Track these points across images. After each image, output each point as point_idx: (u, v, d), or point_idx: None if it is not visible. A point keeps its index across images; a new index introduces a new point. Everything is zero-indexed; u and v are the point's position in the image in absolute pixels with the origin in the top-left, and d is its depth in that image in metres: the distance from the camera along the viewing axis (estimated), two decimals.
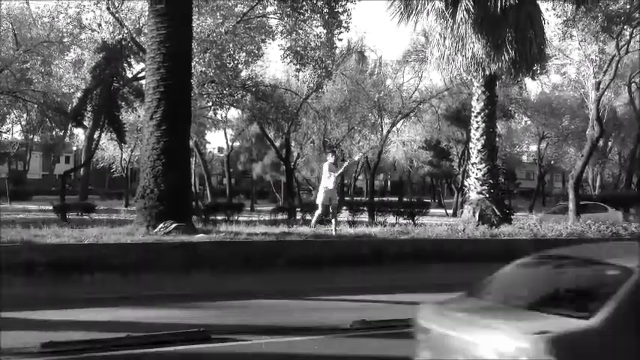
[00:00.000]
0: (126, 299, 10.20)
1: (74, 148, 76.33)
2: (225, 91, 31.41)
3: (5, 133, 55.36)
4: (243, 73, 32.69)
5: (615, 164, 57.95)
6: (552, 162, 60.93)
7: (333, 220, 15.42)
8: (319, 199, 15.35)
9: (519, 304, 4.99)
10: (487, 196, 18.01)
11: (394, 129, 46.77)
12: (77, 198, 42.62)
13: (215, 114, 41.14)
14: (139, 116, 35.80)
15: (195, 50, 21.97)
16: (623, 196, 39.76)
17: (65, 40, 32.44)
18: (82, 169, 45.27)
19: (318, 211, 15.51)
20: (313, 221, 15.84)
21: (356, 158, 36.77)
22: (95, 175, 66.37)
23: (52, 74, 34.90)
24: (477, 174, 18.32)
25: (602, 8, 26.49)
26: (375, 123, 45.00)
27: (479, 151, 18.41)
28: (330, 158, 15.64)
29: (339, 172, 15.72)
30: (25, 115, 49.87)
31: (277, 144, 47.51)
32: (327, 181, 15.07)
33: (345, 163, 19.00)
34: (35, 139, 63.51)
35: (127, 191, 53.59)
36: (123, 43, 30.90)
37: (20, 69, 33.63)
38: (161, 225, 13.07)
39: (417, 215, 33.78)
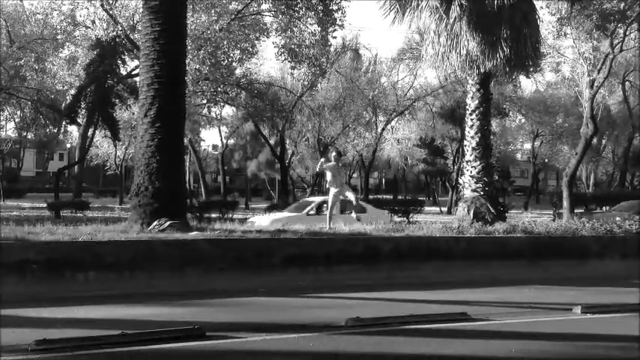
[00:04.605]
0: (120, 297, 10.19)
1: (68, 146, 76.18)
2: (219, 89, 31.42)
3: None
4: (238, 71, 32.68)
5: (609, 162, 58.04)
6: (546, 160, 61.08)
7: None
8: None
9: None
10: (482, 193, 17.99)
11: (389, 127, 46.82)
12: (71, 195, 42.46)
13: (209, 111, 41.12)
14: (133, 113, 35.71)
15: (189, 47, 21.92)
16: (616, 195, 39.76)
17: (59, 37, 32.30)
18: (75, 167, 45.16)
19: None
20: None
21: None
22: (89, 173, 66.24)
23: (46, 71, 34.83)
24: (471, 172, 18.31)
25: (596, 6, 26.58)
26: (370, 121, 45.02)
27: (473, 148, 18.39)
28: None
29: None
30: (18, 112, 49.76)
31: (272, 142, 47.53)
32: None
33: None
34: (29, 137, 63.33)
35: (121, 189, 53.47)
36: (117, 40, 30.83)
37: (14, 66, 33.52)
38: (155, 222, 13.03)
39: (411, 213, 33.92)
